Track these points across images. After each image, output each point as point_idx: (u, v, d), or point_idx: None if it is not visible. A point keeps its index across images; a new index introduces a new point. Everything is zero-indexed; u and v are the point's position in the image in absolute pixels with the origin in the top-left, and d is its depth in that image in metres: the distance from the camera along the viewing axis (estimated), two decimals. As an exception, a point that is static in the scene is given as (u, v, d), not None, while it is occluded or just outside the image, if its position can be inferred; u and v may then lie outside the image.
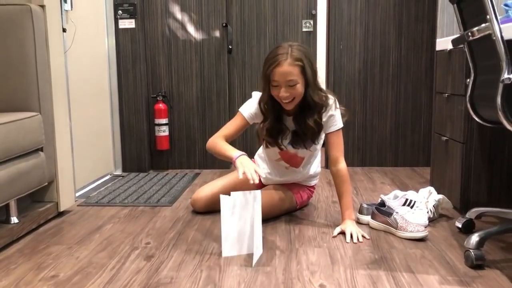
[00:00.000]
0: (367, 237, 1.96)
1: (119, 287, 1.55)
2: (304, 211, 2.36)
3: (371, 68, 3.34)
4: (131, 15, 3.23)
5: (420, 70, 3.32)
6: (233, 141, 2.14)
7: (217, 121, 3.38)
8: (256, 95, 2.12)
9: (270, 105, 2.04)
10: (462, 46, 1.91)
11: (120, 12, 3.23)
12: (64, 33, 2.57)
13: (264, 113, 2.07)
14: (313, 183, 2.38)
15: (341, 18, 3.30)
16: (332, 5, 3.30)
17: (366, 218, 2.12)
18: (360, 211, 2.16)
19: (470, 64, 1.84)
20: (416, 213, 2.05)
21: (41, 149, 2.16)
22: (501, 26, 1.53)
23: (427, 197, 2.18)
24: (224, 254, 1.79)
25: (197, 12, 3.31)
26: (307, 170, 2.28)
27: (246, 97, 3.28)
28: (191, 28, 3.33)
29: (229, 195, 1.78)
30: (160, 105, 3.32)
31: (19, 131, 1.95)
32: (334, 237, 1.98)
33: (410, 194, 2.15)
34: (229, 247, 1.80)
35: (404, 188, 2.75)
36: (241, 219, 1.80)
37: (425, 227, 1.97)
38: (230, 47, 3.32)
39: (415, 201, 2.10)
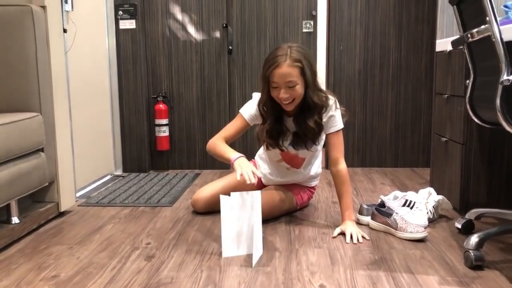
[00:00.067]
0: (367, 237, 1.97)
1: (119, 287, 1.55)
2: (304, 211, 2.36)
3: (371, 69, 3.34)
4: (132, 16, 3.24)
5: (420, 71, 3.33)
6: (233, 142, 2.15)
7: (217, 121, 3.39)
8: (256, 96, 2.12)
9: (269, 106, 2.04)
10: (462, 47, 1.92)
11: (120, 12, 3.23)
12: (65, 33, 2.57)
13: (263, 115, 2.07)
14: (313, 184, 2.39)
15: (341, 19, 3.31)
16: (332, 6, 3.30)
17: (366, 219, 2.13)
18: (360, 212, 2.16)
19: (470, 66, 1.84)
20: (415, 214, 2.05)
21: (42, 150, 2.17)
22: (501, 27, 1.54)
23: (427, 198, 2.18)
24: (224, 254, 1.79)
25: (197, 13, 3.32)
26: (308, 171, 2.28)
27: (246, 97, 3.29)
28: (191, 29, 3.33)
29: (229, 195, 1.79)
30: (161, 105, 3.33)
31: (20, 131, 1.95)
32: (334, 237, 1.98)
33: (410, 195, 2.15)
34: (229, 248, 1.80)
35: (404, 188, 2.75)
36: (241, 220, 1.81)
37: (425, 228, 1.97)
38: (230, 47, 3.33)
39: (414, 202, 2.10)
